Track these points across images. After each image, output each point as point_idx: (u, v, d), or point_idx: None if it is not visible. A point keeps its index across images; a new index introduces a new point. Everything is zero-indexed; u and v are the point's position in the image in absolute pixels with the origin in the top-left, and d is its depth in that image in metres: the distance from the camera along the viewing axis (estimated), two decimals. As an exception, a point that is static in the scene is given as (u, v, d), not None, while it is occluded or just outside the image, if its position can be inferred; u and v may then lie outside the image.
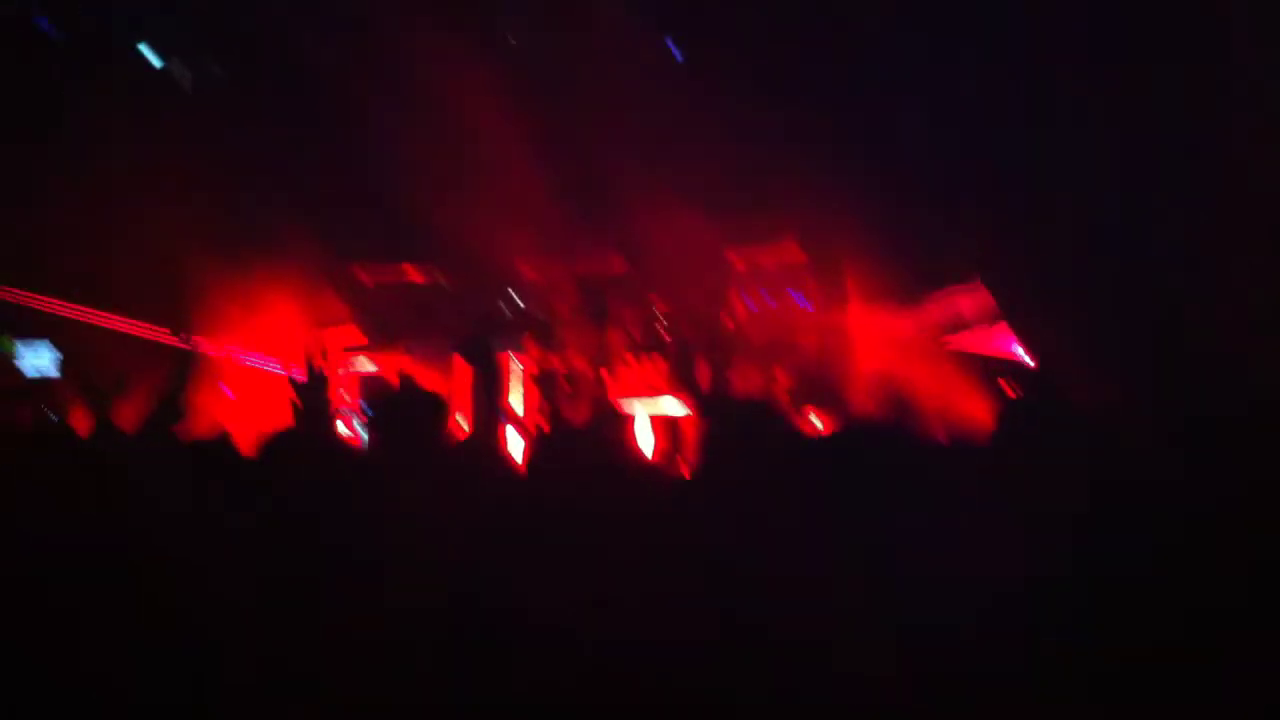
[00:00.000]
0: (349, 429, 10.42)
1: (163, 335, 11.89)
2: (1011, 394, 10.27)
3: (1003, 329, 11.11)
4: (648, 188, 11.92)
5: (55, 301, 12.05)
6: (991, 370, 10.80)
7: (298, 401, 5.24)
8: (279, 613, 3.20)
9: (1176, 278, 9.96)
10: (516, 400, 11.26)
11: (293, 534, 3.46)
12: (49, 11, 13.36)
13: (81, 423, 6.43)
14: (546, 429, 10.36)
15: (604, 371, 11.82)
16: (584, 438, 4.36)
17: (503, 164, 12.41)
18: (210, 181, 12.23)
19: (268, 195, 12.68)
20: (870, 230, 11.37)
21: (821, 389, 11.51)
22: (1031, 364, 10.97)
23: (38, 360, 12.67)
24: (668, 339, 11.81)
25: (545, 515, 3.59)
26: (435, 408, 3.81)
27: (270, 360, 12.26)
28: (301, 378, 4.83)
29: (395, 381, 11.75)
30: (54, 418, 7.78)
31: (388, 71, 12.70)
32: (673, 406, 11.34)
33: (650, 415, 11.24)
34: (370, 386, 12.00)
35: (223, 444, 6.17)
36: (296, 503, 3.90)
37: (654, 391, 11.49)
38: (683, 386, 11.73)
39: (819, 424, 10.65)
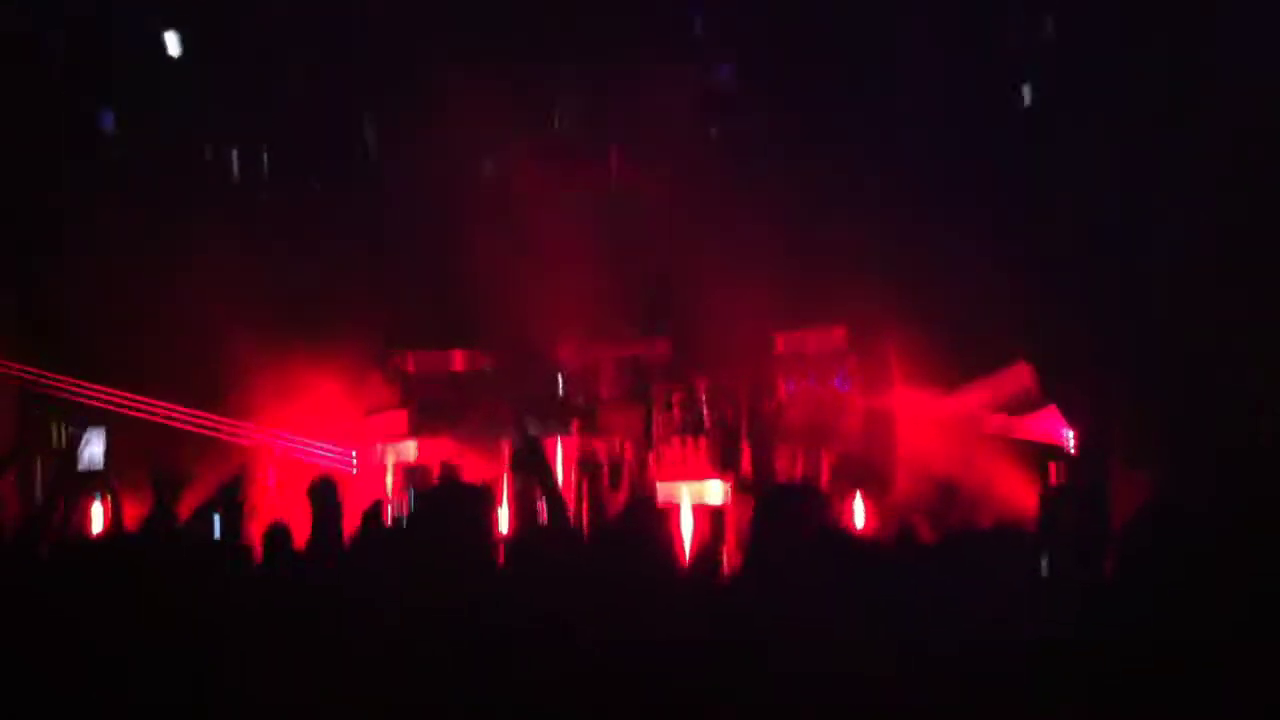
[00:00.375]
0: (394, 517, 10.45)
1: (211, 424, 12.04)
2: (1055, 477, 10.26)
3: (1048, 412, 11.07)
4: (691, 271, 12.02)
5: (107, 392, 12.22)
6: (1037, 453, 10.78)
7: (342, 489, 5.33)
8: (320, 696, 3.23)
9: (1224, 361, 9.94)
10: (561, 484, 11.28)
11: (336, 621, 3.50)
12: (104, 101, 13.71)
13: (131, 512, 6.54)
14: (590, 513, 10.42)
15: (647, 454, 11.83)
16: (627, 521, 4.39)
17: (547, 250, 12.56)
18: (259, 272, 12.44)
19: (317, 285, 12.86)
20: (915, 315, 11.41)
21: (866, 473, 11.47)
22: (1074, 446, 10.91)
23: (90, 451, 12.82)
24: (710, 422, 11.82)
25: (587, 598, 3.61)
26: (480, 494, 3.85)
27: (320, 447, 12.37)
28: (350, 465, 4.89)
29: (439, 469, 11.81)
30: (103, 508, 7.87)
31: (432, 162, 12.92)
32: (716, 489, 11.32)
33: (693, 497, 11.22)
34: (416, 473, 12.04)
35: (274, 532, 6.25)
36: (341, 589, 3.95)
37: (697, 474, 11.48)
38: (726, 469, 11.74)
39: (863, 508, 10.62)
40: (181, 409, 12.12)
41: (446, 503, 3.77)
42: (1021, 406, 11.21)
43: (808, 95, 12.80)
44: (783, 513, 3.95)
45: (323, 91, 14.02)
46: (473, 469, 11.59)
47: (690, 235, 12.10)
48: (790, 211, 12.00)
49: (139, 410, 12.14)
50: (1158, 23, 10.69)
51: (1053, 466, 10.59)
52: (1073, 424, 10.98)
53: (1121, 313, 10.65)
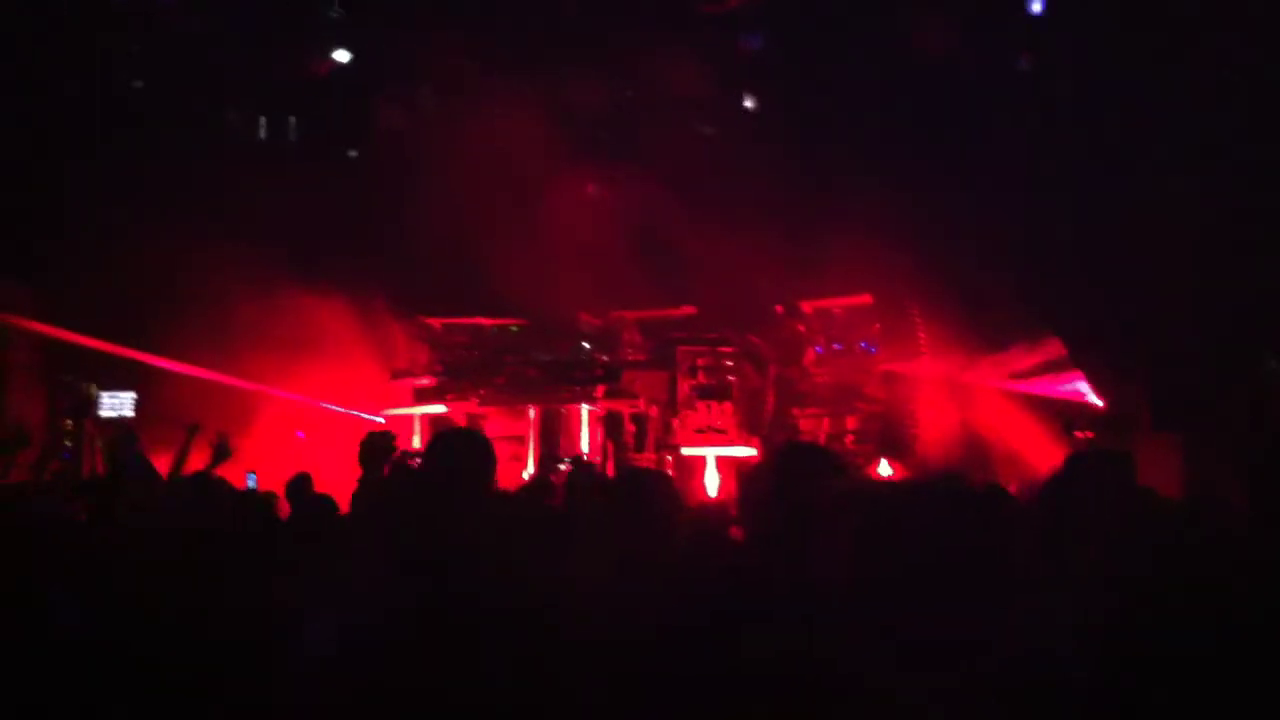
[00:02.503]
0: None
1: (238, 382, 12.12)
2: (1081, 439, 10.24)
3: (1074, 377, 11.05)
4: (717, 236, 12.03)
5: (137, 352, 12.32)
6: (1062, 417, 10.76)
7: (370, 444, 5.38)
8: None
9: (1246, 327, 9.91)
10: (584, 443, 11.34)
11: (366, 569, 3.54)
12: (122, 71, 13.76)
13: (160, 464, 6.62)
14: (613, 472, 10.44)
15: (672, 417, 11.84)
16: (649, 480, 4.39)
17: (573, 215, 12.59)
18: (289, 239, 12.50)
19: (346, 252, 12.92)
20: (942, 282, 11.40)
21: (890, 435, 11.48)
22: (1100, 407, 10.89)
23: (119, 407, 12.95)
24: (735, 385, 11.82)
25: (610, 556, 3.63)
26: (480, 442, 3.86)
27: (348, 406, 12.45)
28: (376, 422, 4.95)
29: (463, 424, 11.88)
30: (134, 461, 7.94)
31: (462, 133, 12.93)
32: (739, 451, 11.34)
33: (717, 459, 11.25)
34: (440, 429, 12.08)
35: (300, 485, 6.33)
36: (372, 539, 4.00)
37: (721, 436, 11.50)
38: (751, 432, 11.75)
39: (888, 470, 10.62)
40: (211, 371, 12.20)
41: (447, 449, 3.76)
42: (1048, 372, 11.19)
43: (831, 66, 12.79)
44: (796, 471, 3.89)
45: (351, 62, 14.07)
46: (498, 427, 11.67)
47: (717, 202, 12.11)
48: (817, 179, 11.99)
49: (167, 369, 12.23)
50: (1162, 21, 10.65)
51: (1078, 433, 10.58)
52: (1099, 389, 10.96)
53: (1150, 279, 10.61)
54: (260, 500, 5.36)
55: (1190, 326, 10.25)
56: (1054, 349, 11.18)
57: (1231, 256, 9.92)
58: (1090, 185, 11.02)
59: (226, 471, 5.57)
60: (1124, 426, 10.47)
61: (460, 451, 3.73)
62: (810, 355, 12.28)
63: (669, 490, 4.10)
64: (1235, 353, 9.82)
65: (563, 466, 10.32)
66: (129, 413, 12.91)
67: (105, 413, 12.81)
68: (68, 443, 11.85)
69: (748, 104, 13.58)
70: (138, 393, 13.09)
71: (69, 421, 11.89)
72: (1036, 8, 12.28)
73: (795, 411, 12.06)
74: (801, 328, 12.44)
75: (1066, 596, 3.05)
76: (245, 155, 14.26)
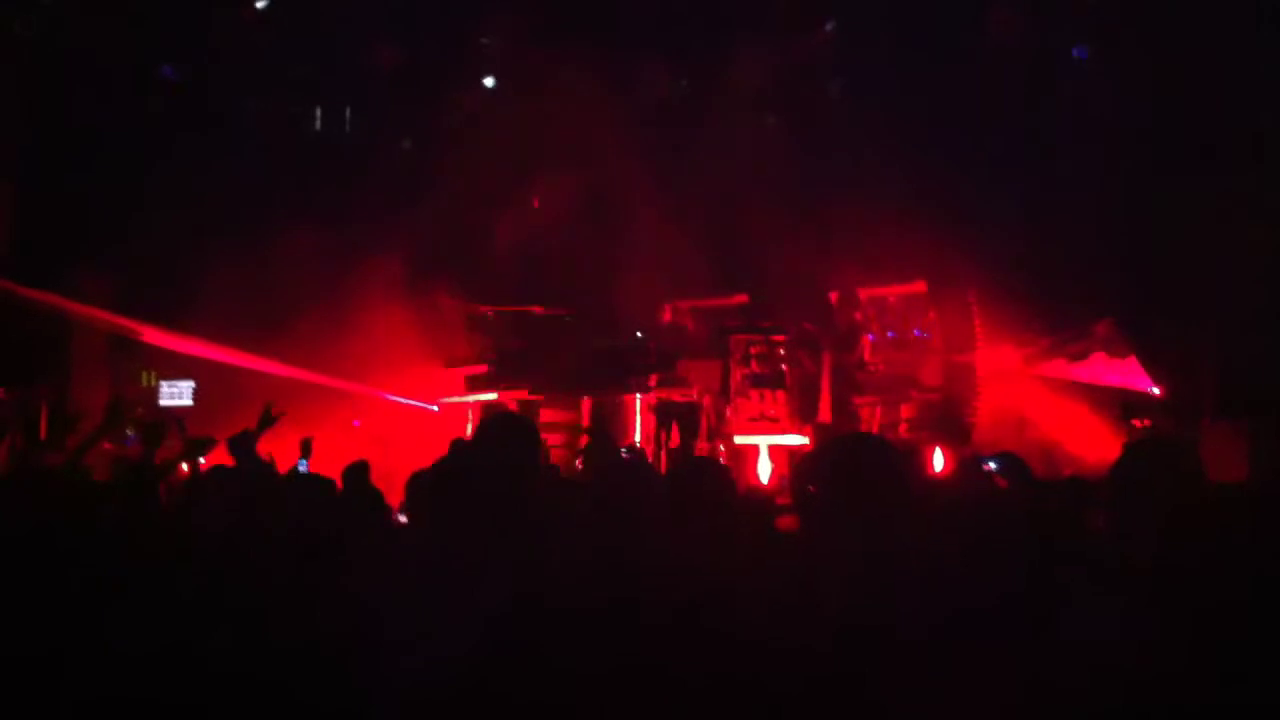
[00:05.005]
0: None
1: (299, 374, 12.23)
2: (1139, 428, 10.12)
3: (1130, 363, 10.91)
4: (772, 224, 12.00)
5: (198, 341, 12.47)
6: (1118, 404, 10.63)
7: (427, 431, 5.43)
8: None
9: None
10: (638, 432, 11.34)
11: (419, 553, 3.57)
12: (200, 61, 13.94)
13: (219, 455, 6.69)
14: (666, 459, 10.41)
15: (725, 406, 11.80)
16: (703, 468, 4.39)
17: (628, 205, 12.61)
18: (346, 229, 12.61)
19: (401, 243, 13.01)
20: (996, 267, 11.32)
21: (945, 423, 11.40)
22: (1158, 395, 10.75)
23: (178, 395, 13.13)
24: (789, 374, 11.76)
25: (662, 541, 3.63)
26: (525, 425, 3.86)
27: (403, 394, 12.53)
28: (432, 409, 4.99)
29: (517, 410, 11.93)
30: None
31: (519, 124, 12.98)
32: (792, 439, 11.30)
33: (769, 447, 11.21)
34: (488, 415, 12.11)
35: (357, 472, 6.39)
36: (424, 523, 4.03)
37: (774, 425, 11.44)
38: (805, 421, 11.71)
39: (941, 458, 10.54)
40: (269, 360, 12.32)
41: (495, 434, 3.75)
42: (1107, 359, 11.07)
43: (888, 56, 12.72)
44: (858, 462, 3.87)
45: (411, 54, 14.17)
46: (550, 415, 11.71)
47: (770, 190, 12.08)
48: (872, 167, 11.93)
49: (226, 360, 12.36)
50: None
51: (1136, 421, 10.46)
52: (1158, 376, 10.82)
53: (1210, 261, 10.46)
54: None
55: (1255, 309, 10.09)
56: (1112, 335, 11.05)
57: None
58: (1149, 169, 10.91)
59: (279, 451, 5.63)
60: (1185, 414, 10.34)
61: (508, 437, 3.76)
62: (865, 343, 12.22)
63: (725, 479, 4.10)
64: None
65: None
66: (188, 401, 13.09)
67: (164, 401, 13.00)
68: (129, 431, 12.03)
69: (807, 100, 13.51)
70: (196, 381, 13.27)
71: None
72: None
73: (849, 400, 11.99)
74: (857, 315, 12.37)
75: (1122, 594, 3.02)
76: (304, 147, 14.41)
